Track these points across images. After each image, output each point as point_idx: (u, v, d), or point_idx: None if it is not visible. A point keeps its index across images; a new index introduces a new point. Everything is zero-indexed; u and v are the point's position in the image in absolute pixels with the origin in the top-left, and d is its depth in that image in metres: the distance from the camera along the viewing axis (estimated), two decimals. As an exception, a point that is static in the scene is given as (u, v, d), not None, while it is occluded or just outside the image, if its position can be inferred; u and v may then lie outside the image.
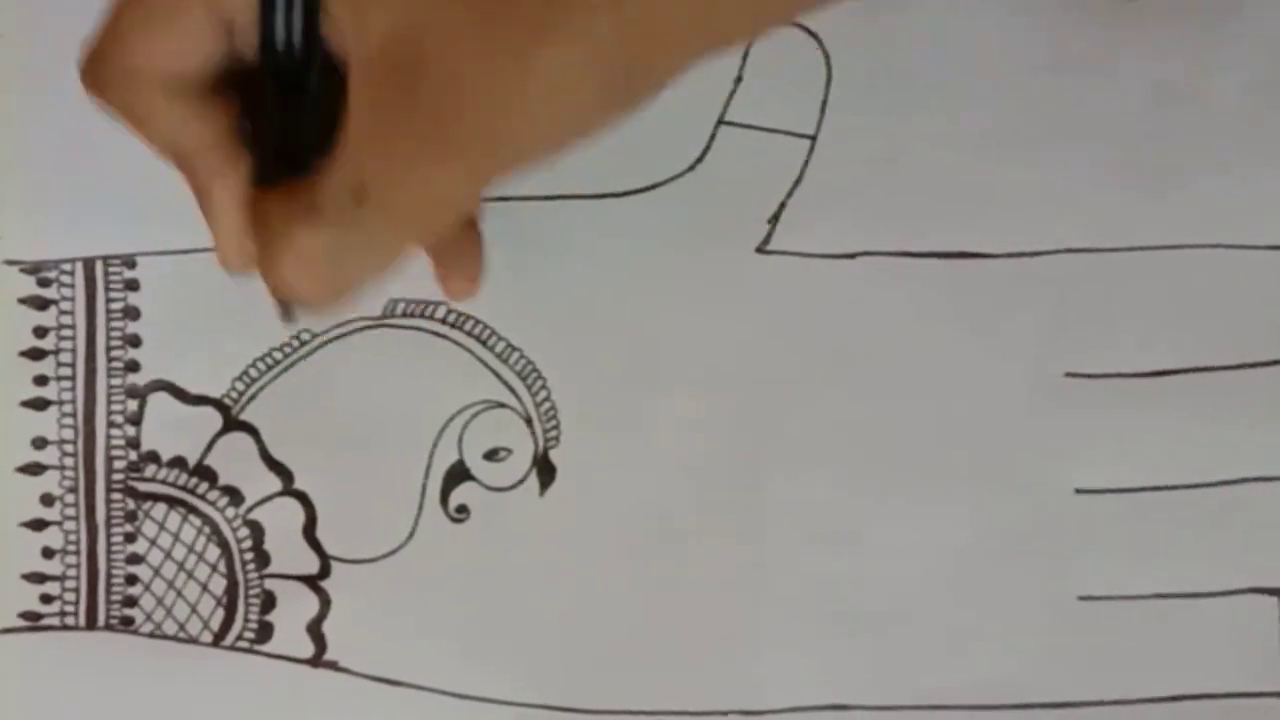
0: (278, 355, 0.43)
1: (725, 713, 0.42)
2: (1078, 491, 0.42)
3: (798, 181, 0.42)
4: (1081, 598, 0.42)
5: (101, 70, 0.33)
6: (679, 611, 0.42)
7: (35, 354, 0.43)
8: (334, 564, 0.43)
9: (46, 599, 0.43)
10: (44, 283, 0.43)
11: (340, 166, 0.32)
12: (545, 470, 0.43)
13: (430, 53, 0.31)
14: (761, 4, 0.32)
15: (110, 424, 0.43)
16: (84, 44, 0.33)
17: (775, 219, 0.42)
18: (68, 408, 0.43)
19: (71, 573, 0.43)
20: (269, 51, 0.33)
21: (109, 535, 0.43)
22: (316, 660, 0.42)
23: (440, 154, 0.31)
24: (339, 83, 0.32)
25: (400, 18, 0.31)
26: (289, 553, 0.43)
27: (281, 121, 0.34)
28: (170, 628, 0.43)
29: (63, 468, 0.43)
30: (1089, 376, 0.42)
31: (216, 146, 0.34)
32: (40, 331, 0.43)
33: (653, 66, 0.32)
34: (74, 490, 0.43)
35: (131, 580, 0.43)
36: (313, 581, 0.43)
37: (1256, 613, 0.41)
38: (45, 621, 0.43)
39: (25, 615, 0.43)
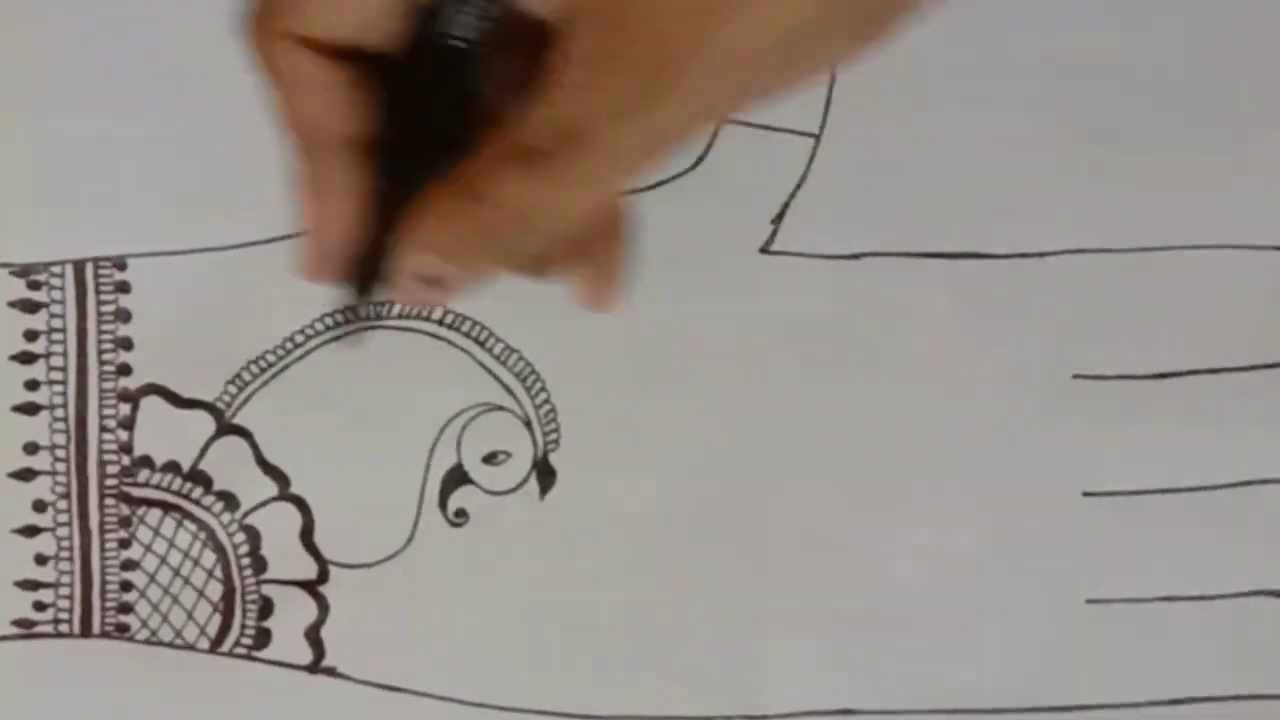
0: (270, 358, 0.42)
1: (730, 717, 0.42)
2: (1085, 494, 0.41)
3: (801, 181, 0.42)
4: (1089, 600, 0.42)
5: (267, 25, 0.32)
6: (681, 616, 0.42)
7: (26, 358, 0.42)
8: (332, 569, 0.42)
9: (40, 606, 0.42)
10: (34, 285, 0.42)
11: (552, 111, 0.31)
12: (545, 473, 0.42)
13: None
14: None
15: (102, 428, 0.42)
16: None
17: (779, 219, 0.42)
18: (59, 412, 0.42)
19: (65, 579, 0.42)
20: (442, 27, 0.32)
21: (103, 541, 0.42)
22: (315, 666, 0.42)
23: (660, 94, 0.30)
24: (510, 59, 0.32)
25: None
26: (286, 558, 0.42)
27: (429, 109, 0.33)
28: (166, 634, 0.42)
29: (55, 473, 0.42)
30: (1096, 378, 0.41)
31: (351, 129, 0.33)
32: (31, 335, 0.42)
33: (838, 38, 0.31)
34: (66, 496, 0.42)
35: (126, 587, 0.42)
36: (311, 587, 0.42)
37: (1264, 615, 0.41)
38: (39, 629, 0.42)
39: (19, 623, 0.42)
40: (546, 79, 0.31)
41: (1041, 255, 0.41)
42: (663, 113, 0.31)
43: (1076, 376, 0.42)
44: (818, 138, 0.42)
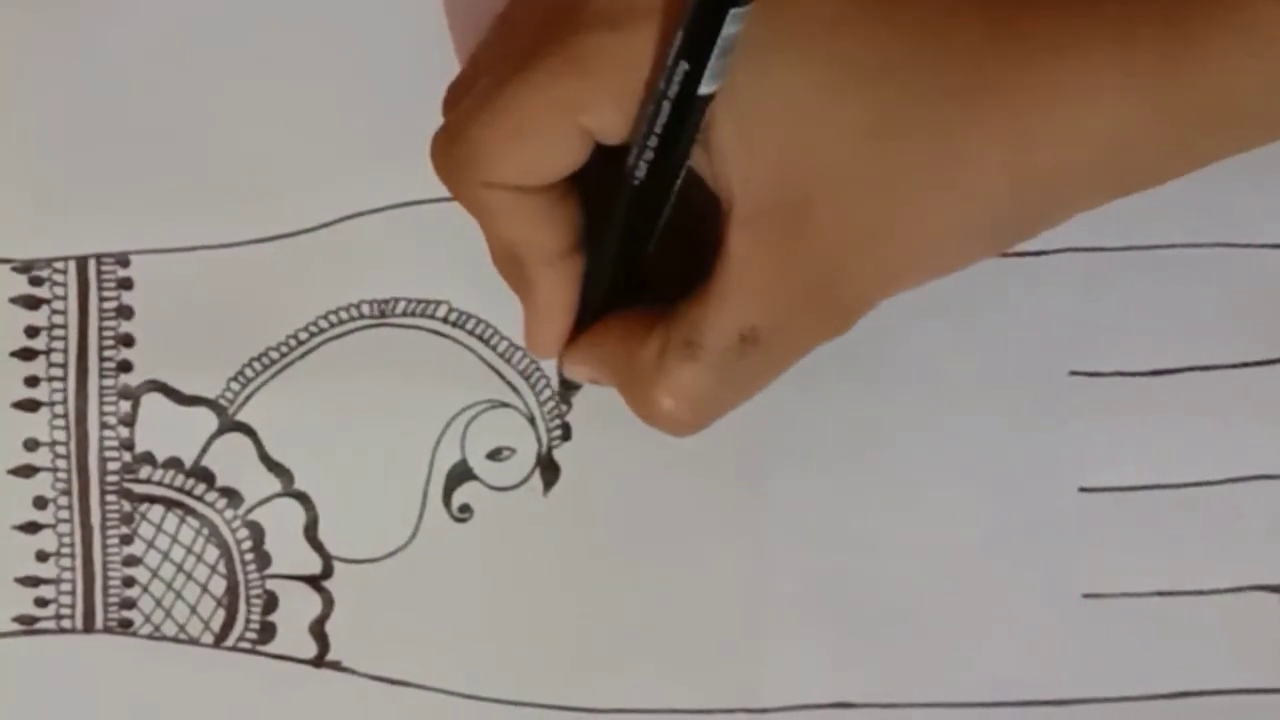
0: (274, 355, 0.42)
1: (730, 710, 0.42)
2: (1082, 490, 0.42)
3: (804, 180, 0.42)
4: (1086, 595, 0.42)
5: (458, 169, 0.33)
6: (683, 610, 0.42)
7: (26, 354, 0.42)
8: (336, 564, 0.42)
9: (42, 602, 0.42)
10: (36, 281, 0.42)
11: (723, 309, 0.32)
12: (549, 470, 0.42)
13: (819, 207, 0.31)
14: (1169, 163, 0.33)
15: (103, 425, 0.42)
16: (439, 136, 0.34)
17: (781, 218, 0.42)
18: (59, 409, 0.42)
19: (67, 575, 0.42)
20: (634, 173, 0.33)
21: (105, 537, 0.42)
22: (319, 661, 0.42)
23: (824, 300, 0.32)
24: (696, 210, 0.33)
25: (793, 161, 0.31)
26: (290, 553, 0.42)
27: (630, 240, 0.34)
28: (170, 629, 0.42)
29: (55, 470, 0.42)
30: (1093, 375, 0.42)
31: (556, 244, 0.34)
32: (32, 331, 0.42)
33: (1045, 217, 0.33)
34: (68, 493, 0.42)
35: (129, 582, 0.42)
36: (315, 581, 0.42)
37: (1260, 610, 0.42)
38: (41, 625, 0.42)
39: (20, 619, 0.42)
40: (722, 273, 0.32)
41: (1039, 253, 0.42)
42: (826, 314, 0.33)
43: (1073, 373, 0.42)
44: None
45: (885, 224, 0.31)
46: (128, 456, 0.42)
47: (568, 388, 0.41)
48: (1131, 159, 0.32)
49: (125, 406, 0.42)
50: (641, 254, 0.34)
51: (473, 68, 0.36)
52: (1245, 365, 0.42)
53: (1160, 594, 0.42)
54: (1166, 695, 0.42)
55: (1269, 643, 0.42)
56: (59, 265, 0.42)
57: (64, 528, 0.42)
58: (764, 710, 0.42)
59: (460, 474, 0.42)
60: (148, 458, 0.42)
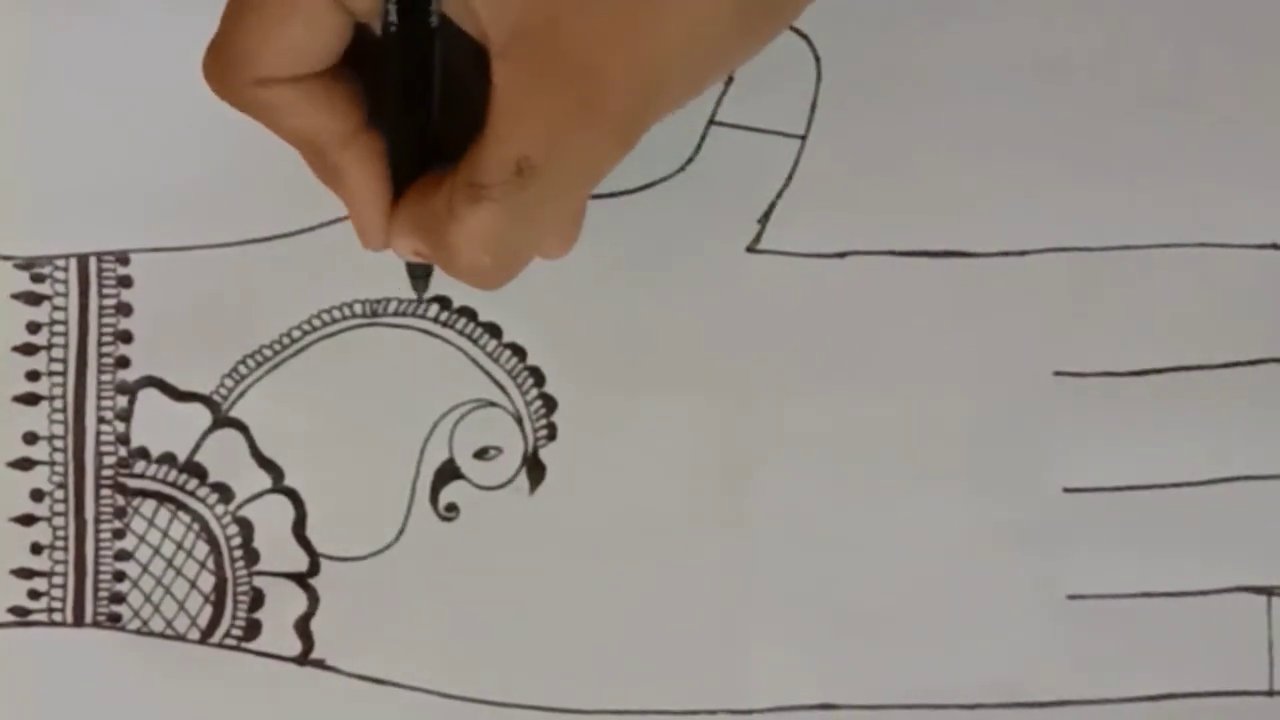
0: (267, 353, 0.43)
1: (714, 712, 0.42)
2: (1066, 490, 0.42)
3: (788, 181, 0.42)
4: (1070, 596, 0.42)
5: (228, 74, 0.34)
6: (668, 611, 0.42)
7: (28, 349, 0.43)
8: (323, 562, 0.43)
9: (34, 595, 0.43)
10: (38, 278, 0.43)
11: (496, 143, 0.33)
12: (535, 469, 0.43)
13: (567, 18, 0.32)
14: None
15: (100, 420, 0.43)
16: (206, 53, 0.34)
17: (765, 219, 0.42)
18: (58, 403, 0.43)
19: (60, 569, 0.43)
20: (389, 32, 0.33)
21: (98, 531, 0.43)
22: (304, 658, 0.42)
23: (593, 115, 0.32)
24: (470, 62, 0.33)
25: None
26: (278, 550, 0.43)
27: (411, 98, 0.34)
28: (158, 625, 0.43)
29: (53, 463, 0.43)
30: (1077, 375, 0.42)
31: (346, 125, 0.34)
32: (33, 327, 0.43)
33: None
34: (64, 486, 0.43)
35: (120, 577, 0.43)
36: (301, 579, 0.43)
37: (1245, 611, 0.41)
38: (33, 617, 0.43)
39: (13, 610, 0.43)
40: (492, 110, 0.33)
41: (1023, 253, 0.42)
42: (599, 135, 0.33)
43: (1058, 373, 0.42)
44: (803, 139, 0.42)
45: (631, 25, 0.31)
46: (123, 451, 0.43)
47: (415, 275, 0.39)
48: None
49: (122, 402, 0.43)
50: (428, 109, 0.35)
51: None
52: (1229, 365, 0.42)
53: (1145, 595, 0.42)
54: (1151, 697, 0.41)
55: (1254, 645, 0.41)
56: (60, 263, 0.43)
57: (59, 521, 0.43)
58: (748, 711, 0.42)
59: (447, 473, 0.43)
60: (142, 452, 0.43)
